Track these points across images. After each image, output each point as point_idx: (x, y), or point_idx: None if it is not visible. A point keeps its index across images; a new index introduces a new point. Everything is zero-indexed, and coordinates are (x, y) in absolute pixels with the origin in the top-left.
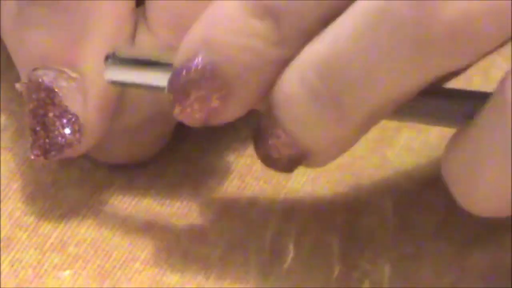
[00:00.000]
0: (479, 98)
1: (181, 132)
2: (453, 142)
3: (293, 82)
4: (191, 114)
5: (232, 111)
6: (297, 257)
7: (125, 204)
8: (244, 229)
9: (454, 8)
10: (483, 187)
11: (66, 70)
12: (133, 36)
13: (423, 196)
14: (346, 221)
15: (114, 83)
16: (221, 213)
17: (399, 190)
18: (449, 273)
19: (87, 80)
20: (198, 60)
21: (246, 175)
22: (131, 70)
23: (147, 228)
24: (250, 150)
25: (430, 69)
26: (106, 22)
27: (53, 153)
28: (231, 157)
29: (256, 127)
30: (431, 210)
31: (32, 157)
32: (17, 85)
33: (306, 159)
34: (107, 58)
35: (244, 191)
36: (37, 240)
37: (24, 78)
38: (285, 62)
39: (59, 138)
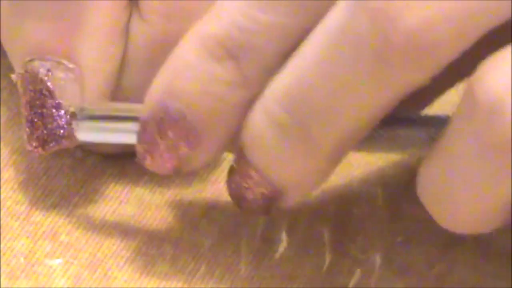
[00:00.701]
0: (445, 122)
1: None
2: (425, 160)
3: (259, 119)
4: (162, 164)
5: (202, 157)
6: (288, 246)
7: (117, 192)
8: (235, 218)
9: (412, 17)
10: (460, 203)
11: (63, 61)
12: (127, 25)
13: (414, 185)
14: (338, 211)
15: (85, 141)
16: (212, 202)
17: (390, 179)
18: (440, 262)
19: (84, 70)
20: (163, 110)
21: None
22: (101, 126)
23: (139, 216)
24: None
25: (394, 84)
26: (102, 12)
27: (51, 144)
28: None
29: (229, 170)
30: None
31: (30, 149)
32: (13, 76)
33: (281, 196)
34: (75, 115)
35: None
36: (28, 229)
37: (18, 69)
38: (250, 103)
39: (57, 129)
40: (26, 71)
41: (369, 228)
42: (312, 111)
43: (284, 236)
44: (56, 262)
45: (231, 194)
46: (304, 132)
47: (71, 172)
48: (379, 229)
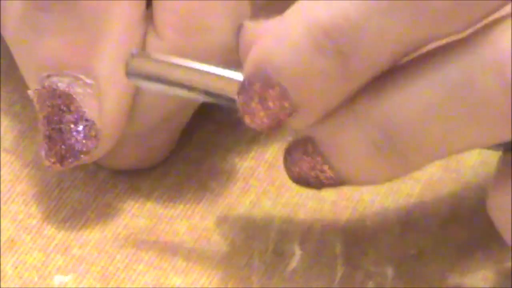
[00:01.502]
0: None
1: (184, 135)
2: (497, 179)
3: (353, 136)
4: (260, 122)
5: (300, 122)
6: (300, 258)
7: (129, 206)
8: (247, 230)
9: None
10: None
11: (81, 76)
12: (144, 40)
13: (426, 197)
14: (350, 223)
15: (138, 77)
16: (224, 215)
17: (402, 191)
18: (453, 274)
19: (102, 86)
20: (263, 76)
21: (250, 178)
22: (155, 68)
23: (151, 230)
24: (254, 153)
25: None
26: (119, 26)
27: (70, 160)
28: (235, 160)
29: (287, 150)
30: (434, 211)
31: (48, 164)
32: (30, 92)
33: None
34: (132, 55)
35: (247, 193)
36: (41, 242)
37: (34, 84)
38: (352, 87)
39: (76, 144)
40: (43, 87)
41: (381, 240)
42: (414, 144)
43: (296, 249)
44: (69, 276)
45: (294, 173)
46: (400, 158)
47: (83, 185)
48: (391, 241)
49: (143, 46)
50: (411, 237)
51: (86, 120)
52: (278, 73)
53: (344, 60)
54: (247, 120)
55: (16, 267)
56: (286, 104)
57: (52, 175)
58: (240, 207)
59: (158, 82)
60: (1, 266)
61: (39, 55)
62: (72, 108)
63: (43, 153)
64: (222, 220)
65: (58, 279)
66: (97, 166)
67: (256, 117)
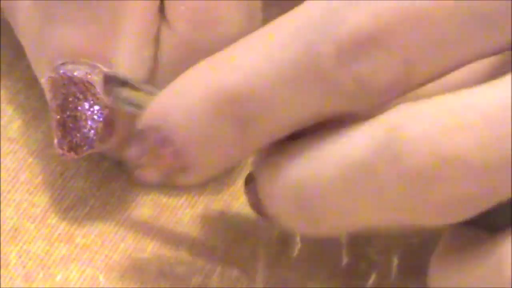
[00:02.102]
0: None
1: None
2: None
3: (280, 198)
4: (150, 177)
5: (194, 179)
6: (304, 248)
7: (133, 195)
8: (251, 220)
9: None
10: None
11: (98, 64)
12: (157, 31)
13: None
14: None
15: (123, 103)
16: (228, 204)
17: None
18: None
19: None
20: (157, 131)
21: None
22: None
23: (154, 219)
24: None
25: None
26: (136, 17)
27: (85, 148)
28: None
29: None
30: None
31: (61, 153)
32: (42, 81)
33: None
34: (108, 79)
35: None
36: (44, 231)
37: (45, 73)
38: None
39: (91, 132)
40: (58, 74)
41: (385, 230)
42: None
43: (299, 238)
44: (72, 265)
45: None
46: (314, 221)
47: (87, 174)
48: (396, 230)
49: (157, 39)
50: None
51: (103, 108)
52: (173, 132)
53: (242, 128)
54: (136, 172)
55: (20, 256)
56: (178, 164)
57: (55, 164)
58: (244, 197)
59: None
60: (5, 255)
61: (54, 43)
62: (89, 95)
63: (55, 141)
64: (226, 210)
65: (61, 267)
66: (101, 155)
67: (145, 171)
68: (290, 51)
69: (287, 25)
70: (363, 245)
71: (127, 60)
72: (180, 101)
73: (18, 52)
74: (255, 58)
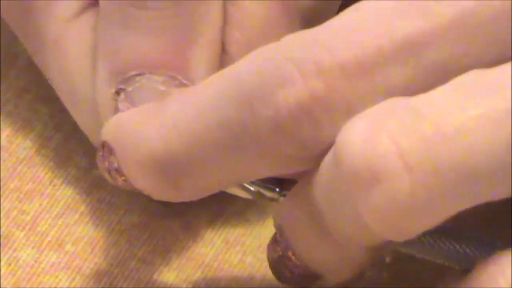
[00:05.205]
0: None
1: None
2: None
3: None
4: (114, 182)
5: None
6: None
7: (122, 202)
8: (240, 228)
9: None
10: None
11: (177, 76)
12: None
13: None
14: None
15: None
16: (217, 211)
17: None
18: (449, 273)
19: None
20: (107, 152)
21: None
22: None
23: (144, 226)
24: None
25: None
26: (214, 27)
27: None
28: None
29: (272, 239)
30: None
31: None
32: (112, 91)
33: (318, 279)
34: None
35: None
36: (34, 239)
37: (104, 84)
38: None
39: None
40: (129, 87)
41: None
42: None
43: None
44: (62, 272)
45: (270, 264)
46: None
47: (76, 182)
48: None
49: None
50: None
51: None
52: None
53: (175, 184)
54: (105, 175)
55: (10, 264)
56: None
57: (45, 171)
58: (233, 205)
59: None
60: None
61: (126, 52)
62: None
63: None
64: (215, 217)
65: (51, 275)
66: (90, 163)
67: (109, 176)
68: (221, 111)
69: (221, 81)
70: None
71: (205, 72)
72: (119, 153)
73: (6, 61)
74: (186, 116)
